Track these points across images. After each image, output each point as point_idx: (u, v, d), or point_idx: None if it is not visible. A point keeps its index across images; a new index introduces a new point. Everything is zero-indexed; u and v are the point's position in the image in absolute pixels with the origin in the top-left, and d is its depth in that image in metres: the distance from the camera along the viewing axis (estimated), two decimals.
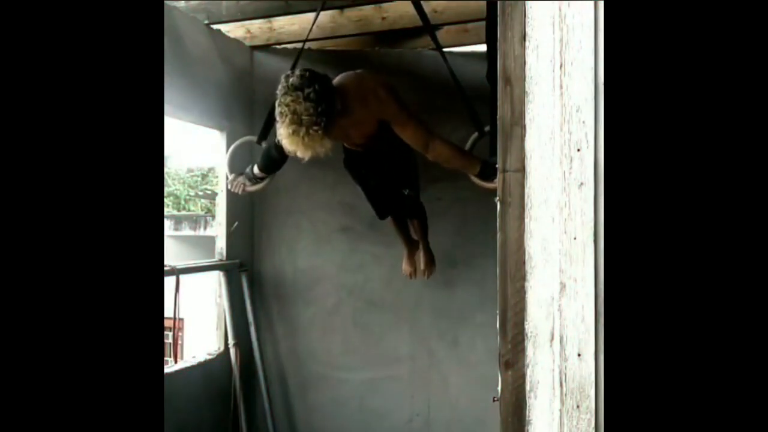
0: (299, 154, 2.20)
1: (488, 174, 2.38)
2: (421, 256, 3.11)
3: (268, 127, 2.82)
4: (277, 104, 2.16)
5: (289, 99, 2.12)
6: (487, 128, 2.57)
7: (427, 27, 2.72)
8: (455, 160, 2.42)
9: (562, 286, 1.15)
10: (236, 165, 2.94)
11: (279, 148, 2.51)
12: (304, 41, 2.87)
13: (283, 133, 2.15)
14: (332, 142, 2.22)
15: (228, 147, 3.39)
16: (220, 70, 3.32)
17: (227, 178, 2.92)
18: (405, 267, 3.23)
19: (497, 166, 1.21)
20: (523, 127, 1.18)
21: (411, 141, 2.41)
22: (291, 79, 2.16)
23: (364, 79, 2.45)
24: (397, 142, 2.47)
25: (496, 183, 2.48)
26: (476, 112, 2.62)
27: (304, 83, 2.13)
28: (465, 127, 3.38)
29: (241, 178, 2.83)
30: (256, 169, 2.80)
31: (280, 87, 2.17)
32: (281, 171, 3.03)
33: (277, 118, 2.16)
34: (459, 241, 3.47)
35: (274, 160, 2.73)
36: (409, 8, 2.83)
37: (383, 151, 2.63)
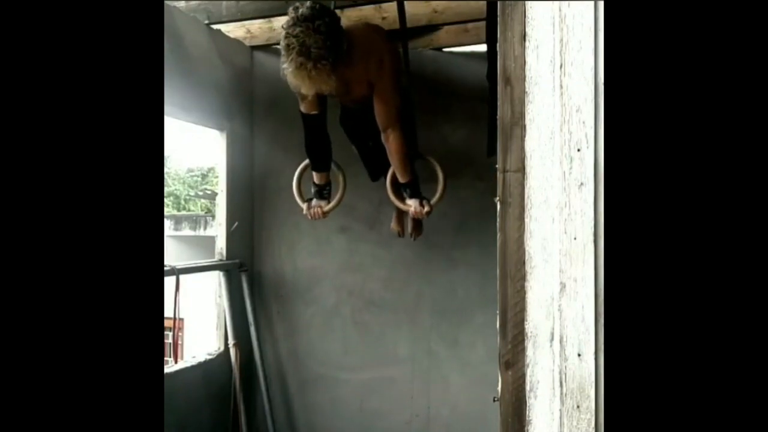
0: (303, 90, 2.14)
1: (410, 190, 2.54)
2: (409, 219, 2.96)
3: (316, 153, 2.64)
4: (283, 36, 2.05)
5: (298, 30, 2.01)
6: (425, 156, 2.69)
7: (402, 30, 2.70)
8: (396, 157, 2.47)
9: (562, 286, 1.15)
10: (304, 191, 2.78)
11: (309, 119, 2.46)
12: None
13: (288, 66, 2.04)
14: (336, 82, 2.13)
15: (228, 147, 3.40)
16: (220, 70, 3.32)
17: (303, 210, 2.72)
18: (393, 226, 3.14)
19: (497, 166, 1.21)
20: (523, 127, 1.18)
21: (378, 115, 2.40)
22: (301, 10, 2.06)
23: (375, 38, 2.41)
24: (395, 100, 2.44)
25: (408, 206, 2.57)
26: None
27: (315, 14, 2.04)
28: (465, 127, 3.39)
29: (314, 203, 2.67)
30: (314, 177, 2.66)
31: (288, 18, 2.07)
32: (282, 171, 3.03)
33: (283, 51, 2.06)
34: (459, 241, 3.47)
35: (314, 140, 2.56)
36: (409, 8, 2.83)
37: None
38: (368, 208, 3.51)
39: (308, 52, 2.00)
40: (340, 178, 2.70)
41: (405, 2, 2.69)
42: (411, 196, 2.56)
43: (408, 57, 2.69)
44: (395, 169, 2.54)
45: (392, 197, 2.67)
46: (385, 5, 3.12)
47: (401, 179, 2.55)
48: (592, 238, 1.13)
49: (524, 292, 1.18)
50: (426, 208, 2.54)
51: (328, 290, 3.63)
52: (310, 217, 2.69)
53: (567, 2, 1.14)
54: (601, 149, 1.13)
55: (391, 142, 2.44)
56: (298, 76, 2.04)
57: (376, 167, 2.81)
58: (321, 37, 2.00)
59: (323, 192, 2.68)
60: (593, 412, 1.13)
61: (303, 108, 2.50)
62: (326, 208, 2.68)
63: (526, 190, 1.17)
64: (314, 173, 2.67)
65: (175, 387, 2.89)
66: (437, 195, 2.60)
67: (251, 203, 3.62)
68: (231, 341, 3.33)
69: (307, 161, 2.71)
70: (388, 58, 2.38)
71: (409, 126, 2.59)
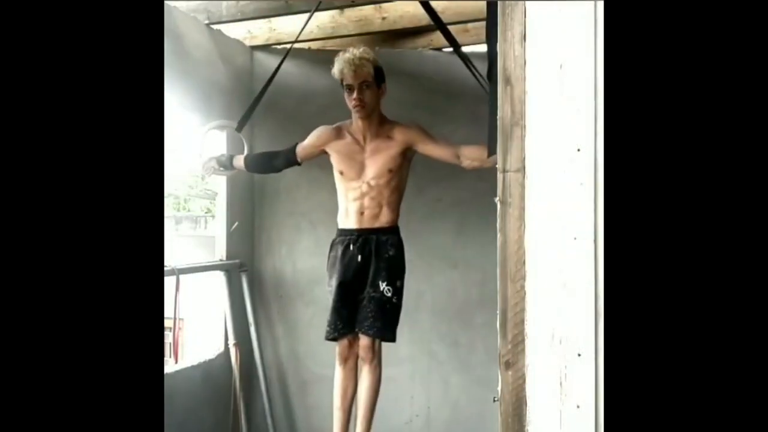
0: (347, 73, 2.49)
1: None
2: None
3: (247, 117, 2.96)
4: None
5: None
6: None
7: (440, 26, 2.74)
8: (482, 151, 2.38)
9: (562, 286, 1.15)
10: (207, 147, 3.08)
11: (286, 158, 2.77)
12: (295, 42, 2.90)
13: (337, 60, 2.51)
14: (372, 74, 2.52)
15: (228, 147, 3.40)
16: (220, 70, 3.32)
17: (199, 156, 3.02)
18: None
19: (497, 166, 1.21)
20: (523, 127, 1.18)
21: (441, 154, 2.56)
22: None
23: (410, 123, 2.68)
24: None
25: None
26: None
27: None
28: (465, 127, 3.39)
29: (213, 162, 2.95)
30: (236, 162, 2.93)
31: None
32: (282, 172, 3.03)
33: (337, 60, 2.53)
34: (459, 241, 3.47)
35: (272, 166, 2.89)
36: (409, 8, 2.83)
37: (380, 233, 2.60)
38: None
39: (356, 51, 2.50)
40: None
41: (405, 2, 2.69)
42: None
43: (462, 52, 2.73)
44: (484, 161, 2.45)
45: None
46: (385, 5, 3.12)
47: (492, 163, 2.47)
48: (592, 238, 1.13)
49: (524, 292, 1.17)
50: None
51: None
52: (202, 171, 3.05)
53: (567, 2, 1.14)
54: (601, 149, 1.13)
55: (469, 153, 2.50)
56: (344, 61, 2.48)
57: (348, 310, 2.58)
58: (367, 52, 2.55)
59: (227, 169, 2.97)
60: (593, 412, 1.13)
61: (298, 151, 2.75)
62: (218, 174, 3.04)
63: (526, 190, 1.17)
64: (239, 161, 2.93)
65: (175, 387, 2.89)
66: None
67: (251, 203, 3.62)
68: (231, 341, 3.32)
69: (224, 122, 3.10)
70: (416, 125, 2.64)
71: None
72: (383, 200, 2.58)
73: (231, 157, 2.96)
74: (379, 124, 2.60)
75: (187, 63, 3.03)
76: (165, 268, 2.83)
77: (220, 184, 3.46)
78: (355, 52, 2.48)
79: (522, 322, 1.17)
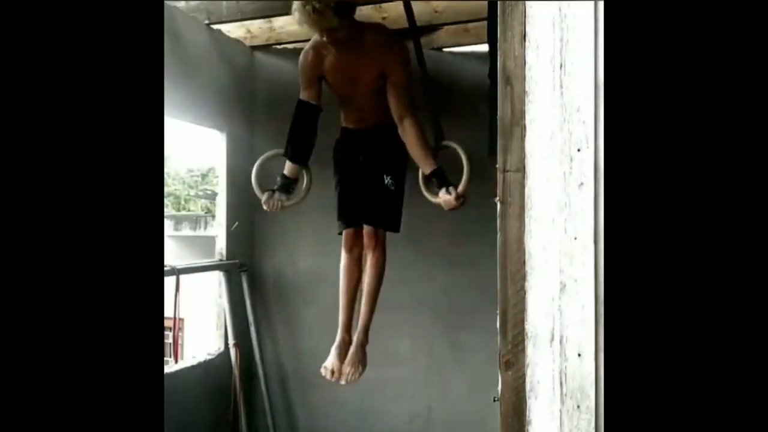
0: (309, 27, 2.22)
1: (437, 180, 2.47)
2: (351, 349, 2.62)
3: (294, 141, 2.65)
4: None
5: None
6: (445, 142, 2.64)
7: (412, 29, 2.72)
8: (416, 147, 2.46)
9: (562, 286, 1.15)
10: (264, 183, 2.76)
11: (308, 117, 2.53)
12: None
13: (295, 5, 2.19)
14: (338, 23, 2.22)
15: (228, 147, 3.40)
16: (220, 70, 3.32)
17: (260, 199, 2.70)
18: (330, 363, 2.63)
19: (497, 166, 1.21)
20: (523, 127, 1.18)
21: (393, 103, 2.45)
22: None
23: (386, 33, 2.50)
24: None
25: (439, 198, 2.48)
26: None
27: None
28: (465, 127, 3.39)
29: (276, 196, 2.67)
30: (290, 172, 2.67)
31: None
32: (282, 171, 3.03)
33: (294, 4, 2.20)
34: (459, 241, 3.47)
35: (311, 138, 2.59)
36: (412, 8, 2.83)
37: (381, 130, 2.60)
38: None
39: None
40: (307, 179, 2.73)
41: (410, 2, 2.70)
42: (440, 186, 2.46)
43: (422, 53, 2.70)
44: (417, 160, 2.50)
45: (425, 193, 2.56)
46: (385, 5, 3.12)
47: (426, 170, 2.48)
48: (592, 238, 1.13)
49: (524, 292, 1.17)
50: (453, 195, 2.43)
51: (328, 290, 3.62)
52: (267, 209, 2.69)
53: (567, 2, 1.14)
54: (601, 149, 1.13)
55: (407, 132, 2.44)
56: (303, 12, 2.16)
57: (353, 206, 2.67)
58: None
59: (289, 187, 2.69)
60: (593, 412, 1.13)
61: (303, 96, 2.56)
62: (287, 203, 2.69)
63: (526, 190, 1.17)
64: (288, 164, 2.67)
65: (175, 387, 2.89)
66: (464, 180, 2.49)
67: (251, 203, 3.62)
68: (231, 341, 3.33)
69: (273, 152, 2.73)
70: (400, 51, 2.46)
71: (431, 116, 2.61)
72: (380, 104, 2.54)
73: (286, 177, 2.68)
74: (360, 34, 2.40)
75: (187, 63, 3.03)
76: (165, 268, 2.83)
77: (220, 184, 3.47)
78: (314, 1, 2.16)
79: (522, 322, 1.17)
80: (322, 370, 2.60)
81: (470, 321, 3.45)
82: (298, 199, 2.73)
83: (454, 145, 2.61)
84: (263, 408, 3.47)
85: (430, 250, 3.51)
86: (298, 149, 2.65)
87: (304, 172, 2.73)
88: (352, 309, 2.69)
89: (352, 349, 2.61)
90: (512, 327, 1.18)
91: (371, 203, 2.61)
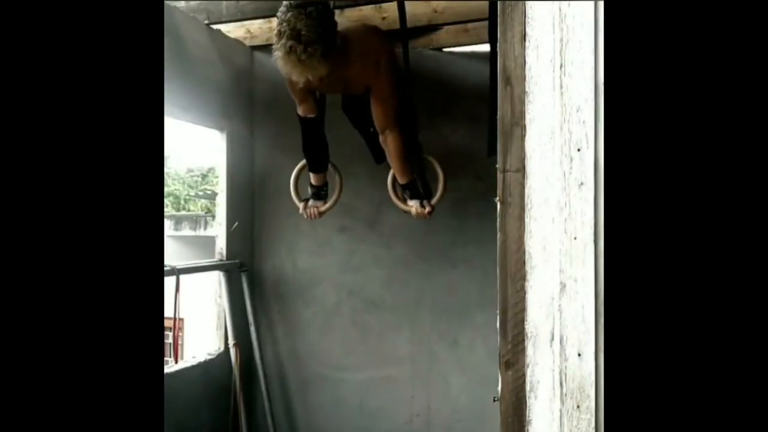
0: (294, 77, 2.12)
1: (409, 192, 2.55)
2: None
3: (312, 158, 2.65)
4: (276, 24, 2.08)
5: (290, 15, 2.04)
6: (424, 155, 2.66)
7: (403, 31, 2.71)
8: (395, 159, 2.49)
9: (562, 286, 1.15)
10: (301, 192, 2.80)
11: (313, 128, 2.51)
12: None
13: (279, 51, 2.05)
14: (327, 69, 2.10)
15: (228, 147, 3.40)
16: (220, 70, 3.32)
17: (299, 210, 2.75)
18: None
19: (497, 166, 1.21)
20: (523, 127, 1.18)
21: (375, 117, 2.43)
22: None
23: (372, 39, 2.41)
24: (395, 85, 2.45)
25: (409, 207, 2.54)
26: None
27: (307, 2, 2.07)
28: (465, 127, 3.39)
29: (310, 203, 2.70)
30: (311, 178, 2.68)
31: (281, 8, 2.10)
32: (282, 172, 3.02)
33: (275, 39, 2.07)
34: (459, 241, 3.47)
35: (322, 147, 2.58)
36: (409, 8, 2.83)
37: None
38: (368, 208, 3.51)
39: (299, 36, 2.00)
40: (337, 178, 2.74)
41: (405, 2, 2.69)
42: (411, 197, 2.58)
43: (408, 57, 2.70)
44: (395, 170, 2.56)
45: (393, 198, 2.69)
46: (385, 5, 3.12)
47: (401, 180, 2.57)
48: (592, 238, 1.13)
49: (524, 292, 1.17)
50: (427, 209, 2.56)
51: (328, 290, 3.63)
52: (306, 217, 2.73)
53: (567, 2, 1.14)
54: (601, 149, 1.13)
55: (389, 144, 2.46)
56: (289, 62, 2.03)
57: (380, 151, 2.67)
58: (312, 22, 2.01)
59: (320, 193, 2.72)
60: (593, 412, 1.13)
61: (300, 111, 2.52)
62: (323, 209, 2.71)
63: (526, 190, 1.17)
64: (311, 174, 2.69)
65: (175, 387, 2.89)
66: (438, 194, 2.61)
67: (251, 203, 3.62)
68: (231, 341, 3.33)
69: (304, 162, 2.72)
70: (385, 60, 2.38)
71: (409, 126, 2.59)
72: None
73: (314, 186, 2.69)
74: (344, 51, 2.23)
75: (187, 63, 3.03)
76: (165, 268, 2.83)
77: (220, 184, 3.47)
78: (298, 51, 2.01)
79: (522, 322, 1.17)
80: None
81: (470, 321, 3.45)
82: (332, 201, 2.74)
83: (432, 159, 2.67)
84: (263, 408, 3.47)
85: (430, 250, 3.51)
86: (315, 161, 2.66)
87: (333, 174, 2.75)
88: None
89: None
90: (512, 327, 1.18)
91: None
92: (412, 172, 2.57)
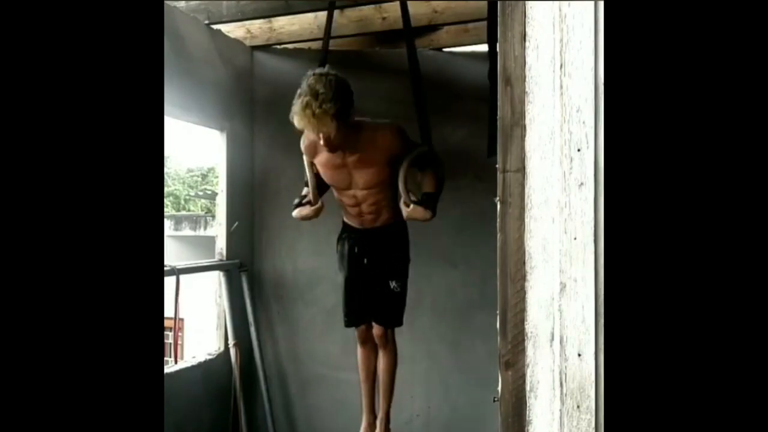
0: (307, 130, 2.27)
1: (425, 199, 2.51)
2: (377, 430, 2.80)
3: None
4: (299, 90, 2.25)
5: (312, 79, 2.23)
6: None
7: (407, 30, 2.72)
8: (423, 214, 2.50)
9: (562, 286, 1.15)
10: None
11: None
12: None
13: (295, 109, 2.21)
14: (336, 130, 2.23)
15: (228, 147, 3.40)
16: (220, 70, 3.32)
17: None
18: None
19: (497, 166, 1.21)
20: (523, 127, 1.18)
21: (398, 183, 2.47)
22: (316, 69, 2.34)
23: (387, 136, 2.46)
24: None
25: (415, 213, 2.48)
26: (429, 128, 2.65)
27: (329, 72, 2.28)
28: (465, 127, 3.39)
29: (301, 208, 2.70)
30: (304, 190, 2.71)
31: (306, 77, 2.28)
32: (282, 172, 3.03)
33: (295, 100, 2.23)
34: (459, 241, 3.47)
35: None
36: (409, 8, 2.83)
37: (382, 231, 2.63)
38: None
39: (316, 95, 2.17)
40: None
41: (406, 2, 2.69)
42: (425, 204, 2.49)
43: (415, 57, 2.69)
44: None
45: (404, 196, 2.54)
46: (385, 5, 3.12)
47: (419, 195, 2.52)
48: (592, 238, 1.13)
49: (524, 292, 1.17)
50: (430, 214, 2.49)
51: (328, 290, 3.62)
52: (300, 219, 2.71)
53: (567, 2, 1.14)
54: (601, 149, 1.13)
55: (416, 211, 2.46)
56: (304, 117, 2.19)
57: (360, 303, 2.72)
58: (331, 87, 2.20)
59: (301, 199, 2.69)
60: (593, 412, 1.13)
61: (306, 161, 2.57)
62: (306, 213, 2.65)
63: (526, 190, 1.17)
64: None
65: (175, 387, 2.89)
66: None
67: (251, 203, 3.62)
68: (231, 341, 3.33)
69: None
70: (393, 132, 2.43)
71: (423, 129, 2.63)
72: (380, 203, 2.57)
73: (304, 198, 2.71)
74: (356, 134, 2.38)
75: (188, 63, 3.03)
76: (165, 268, 2.83)
77: (220, 184, 3.47)
78: (314, 106, 2.17)
79: (522, 322, 1.18)
80: None
81: (470, 321, 3.45)
82: (314, 209, 2.70)
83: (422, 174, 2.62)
84: (263, 408, 3.47)
85: (430, 250, 3.51)
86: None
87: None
88: (373, 395, 2.89)
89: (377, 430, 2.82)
90: (512, 327, 1.18)
91: (379, 305, 2.70)
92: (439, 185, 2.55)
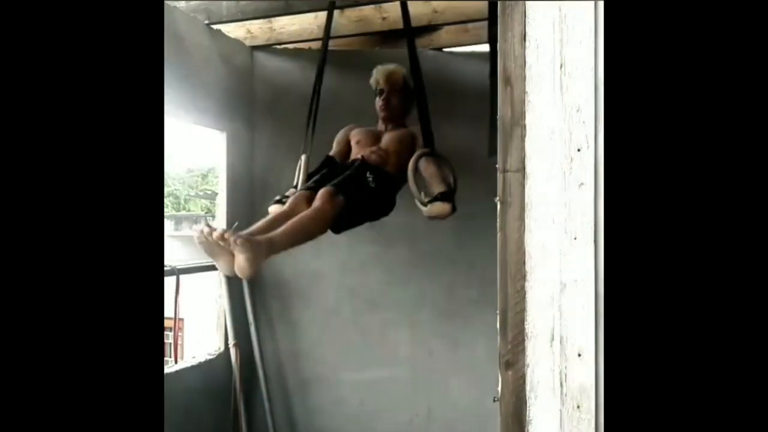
0: (382, 79, 2.86)
1: (442, 197, 2.55)
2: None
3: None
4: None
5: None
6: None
7: (407, 30, 2.74)
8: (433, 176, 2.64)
9: (562, 286, 1.15)
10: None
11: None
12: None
13: (378, 68, 2.88)
14: (398, 100, 2.84)
15: (228, 147, 3.40)
16: (220, 70, 3.32)
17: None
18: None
19: (497, 166, 1.21)
20: (523, 127, 1.18)
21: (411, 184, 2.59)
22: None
23: (411, 137, 2.81)
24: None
25: (435, 210, 2.57)
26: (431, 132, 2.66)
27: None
28: (465, 127, 3.39)
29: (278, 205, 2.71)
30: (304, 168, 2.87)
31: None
32: (282, 172, 3.02)
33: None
34: (459, 241, 3.47)
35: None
36: (410, 8, 2.83)
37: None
38: None
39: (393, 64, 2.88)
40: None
41: (406, 2, 2.69)
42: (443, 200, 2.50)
43: (417, 57, 2.70)
44: (431, 180, 2.63)
45: (417, 195, 2.55)
46: (385, 5, 3.12)
47: (436, 190, 2.55)
48: (592, 238, 1.13)
49: (524, 292, 1.17)
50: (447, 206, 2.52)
51: (328, 290, 3.63)
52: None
53: (567, 2, 1.14)
54: (601, 149, 1.13)
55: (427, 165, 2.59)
56: (385, 70, 2.84)
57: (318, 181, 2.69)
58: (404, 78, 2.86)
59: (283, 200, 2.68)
60: (593, 412, 1.13)
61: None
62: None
63: (526, 190, 1.17)
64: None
65: (175, 387, 2.89)
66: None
67: (251, 203, 3.62)
68: (231, 341, 3.33)
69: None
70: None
71: (425, 128, 2.67)
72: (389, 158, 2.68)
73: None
74: (400, 120, 2.83)
75: (187, 63, 3.03)
76: (165, 268, 2.83)
77: (220, 184, 3.47)
78: (390, 65, 2.79)
79: (522, 322, 1.17)
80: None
81: (470, 321, 3.45)
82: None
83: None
84: (263, 408, 3.47)
85: (430, 250, 3.51)
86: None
87: None
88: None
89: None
90: (512, 327, 1.18)
91: (343, 178, 2.52)
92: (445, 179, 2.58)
